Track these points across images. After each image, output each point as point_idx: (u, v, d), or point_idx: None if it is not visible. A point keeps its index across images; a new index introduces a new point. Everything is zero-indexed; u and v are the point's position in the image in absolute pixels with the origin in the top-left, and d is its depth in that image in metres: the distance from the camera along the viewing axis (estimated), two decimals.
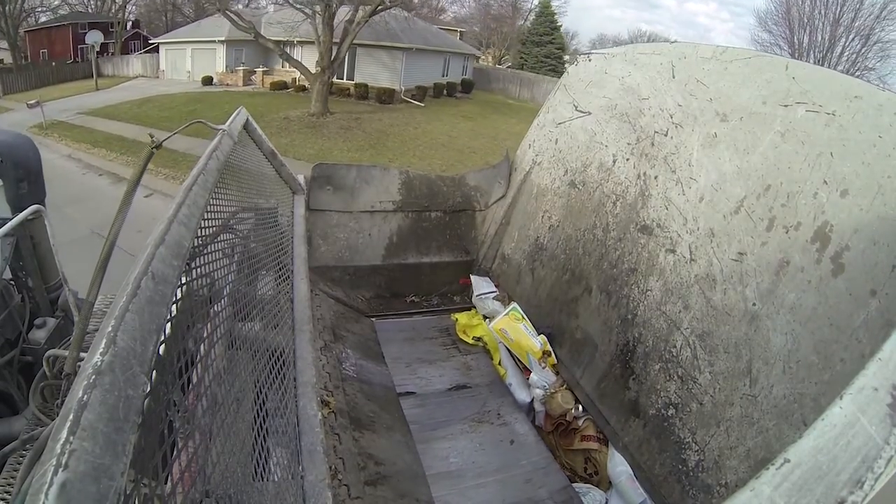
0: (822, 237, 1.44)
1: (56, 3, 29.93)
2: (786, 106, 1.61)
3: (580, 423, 2.27)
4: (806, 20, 25.43)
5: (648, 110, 2.20)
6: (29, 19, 29.27)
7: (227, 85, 22.05)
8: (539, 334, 2.54)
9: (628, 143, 2.29)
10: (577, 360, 2.42)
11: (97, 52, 22.22)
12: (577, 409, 2.30)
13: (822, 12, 24.72)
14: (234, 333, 1.14)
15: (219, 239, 1.24)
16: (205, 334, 1.01)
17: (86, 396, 0.49)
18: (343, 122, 15.51)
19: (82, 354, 0.96)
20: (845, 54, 24.36)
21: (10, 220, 1.58)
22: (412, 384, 2.42)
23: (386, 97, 19.43)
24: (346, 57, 16.79)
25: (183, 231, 0.85)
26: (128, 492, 0.52)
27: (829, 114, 1.48)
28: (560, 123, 2.79)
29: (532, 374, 2.47)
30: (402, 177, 3.00)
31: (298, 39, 17.26)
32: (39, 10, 29.61)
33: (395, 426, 2.07)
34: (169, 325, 0.72)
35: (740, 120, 1.77)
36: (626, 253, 2.21)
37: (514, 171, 3.17)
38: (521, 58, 40.05)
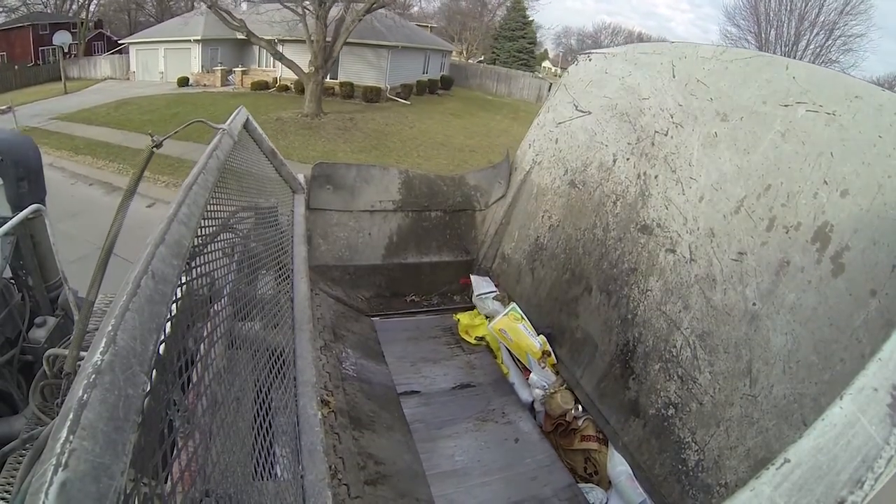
0: (822, 237, 1.44)
1: (14, 3, 27.86)
2: (786, 106, 1.61)
3: (580, 423, 2.27)
4: (772, 15, 26.58)
5: (649, 110, 2.20)
6: None
7: (205, 86, 21.03)
8: (538, 334, 2.54)
9: (628, 143, 2.29)
10: (577, 359, 2.42)
11: (65, 53, 21.04)
12: (577, 409, 2.30)
13: (788, 7, 25.80)
14: (234, 333, 1.14)
15: (219, 238, 1.24)
16: (205, 333, 1.01)
17: (86, 395, 0.49)
18: (338, 122, 15.37)
19: (82, 353, 0.96)
20: (810, 48, 25.48)
21: (11, 218, 1.58)
22: (417, 383, 2.43)
23: (373, 96, 19.25)
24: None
25: (183, 230, 0.85)
26: (128, 491, 0.52)
27: (829, 114, 1.48)
28: (560, 123, 2.79)
29: (532, 375, 2.47)
30: (401, 176, 3.00)
31: (280, 38, 16.96)
32: None
33: (395, 426, 2.07)
34: (169, 324, 0.72)
35: (740, 120, 1.76)
36: (626, 253, 2.21)
37: (514, 171, 3.17)
38: (494, 52, 40.10)
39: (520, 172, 3.09)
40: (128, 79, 23.51)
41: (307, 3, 14.42)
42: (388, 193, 2.96)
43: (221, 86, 21.09)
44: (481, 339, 2.81)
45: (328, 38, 14.72)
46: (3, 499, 1.28)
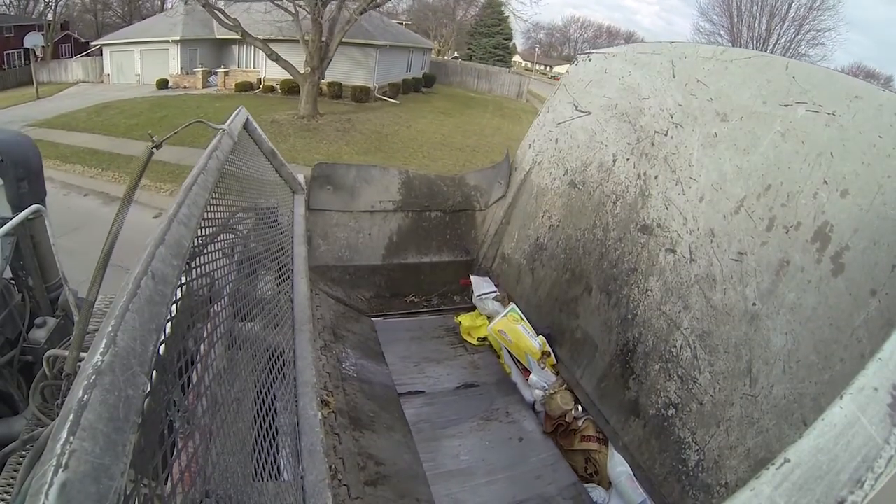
0: (822, 237, 1.44)
1: None
2: (786, 106, 1.61)
3: (580, 423, 2.27)
4: (744, 11, 27.66)
5: (648, 110, 2.20)
6: None
7: (186, 88, 19.91)
8: (538, 335, 2.54)
9: (628, 143, 2.29)
10: (577, 359, 2.42)
11: (36, 56, 19.85)
12: (577, 409, 2.31)
13: (760, 3, 26.82)
14: (234, 333, 1.14)
15: (219, 238, 1.24)
16: (205, 334, 1.01)
17: (86, 396, 0.49)
18: (336, 124, 15.15)
19: (82, 354, 0.96)
20: (781, 42, 26.51)
21: (11, 219, 1.58)
22: (421, 383, 2.45)
23: (362, 95, 19.03)
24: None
25: (183, 231, 0.85)
26: (128, 492, 0.52)
27: (829, 114, 1.48)
28: (560, 123, 2.79)
29: (531, 376, 2.47)
30: (401, 177, 3.00)
31: (271, 38, 16.63)
32: None
33: (395, 426, 2.08)
34: (169, 324, 0.72)
35: (740, 120, 1.76)
36: (626, 253, 2.21)
37: (514, 171, 3.17)
38: (470, 49, 40.02)
39: (520, 172, 3.09)
40: (102, 82, 22.13)
41: (301, 2, 14.19)
42: (387, 194, 2.96)
43: (203, 87, 20.07)
44: (484, 339, 2.82)
45: (323, 38, 14.48)
46: (3, 500, 1.28)
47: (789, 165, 1.57)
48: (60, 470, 0.42)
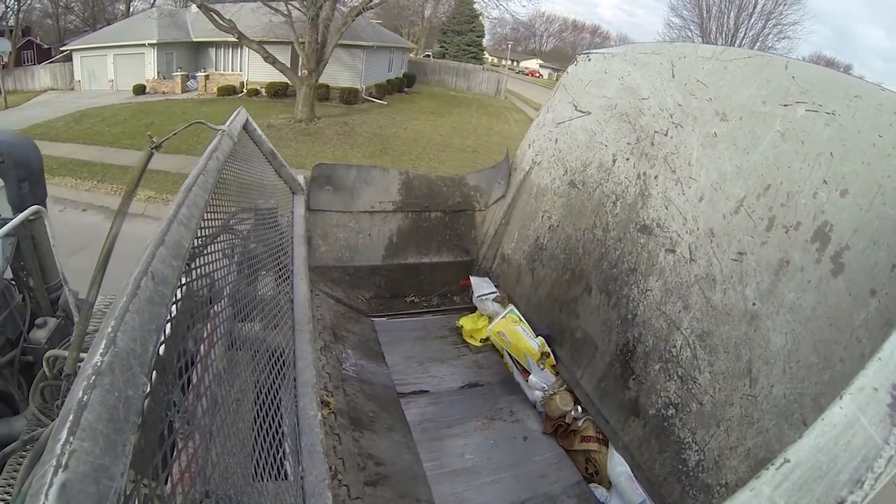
0: (822, 237, 1.44)
1: None
2: (786, 105, 1.61)
3: (580, 423, 2.27)
4: (713, 6, 28.89)
5: (648, 110, 2.20)
6: None
7: (164, 93, 18.98)
8: (537, 336, 2.55)
9: (628, 143, 2.29)
10: (577, 360, 2.42)
11: (2, 63, 18.14)
12: (577, 409, 2.31)
13: None
14: (234, 334, 1.14)
15: (219, 239, 1.24)
16: (205, 335, 1.01)
17: (86, 397, 0.49)
18: (335, 127, 14.93)
19: (82, 355, 0.96)
20: (749, 35, 27.63)
21: (11, 220, 1.58)
22: (425, 383, 2.46)
23: (350, 97, 18.81)
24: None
25: (183, 231, 0.85)
26: (128, 492, 0.52)
27: (829, 113, 1.48)
28: (560, 123, 2.79)
29: (531, 376, 2.47)
30: (401, 177, 3.00)
31: (263, 39, 16.32)
32: None
33: (395, 426, 2.08)
34: (169, 325, 0.72)
35: (740, 119, 1.76)
36: (626, 253, 2.21)
37: (513, 171, 3.17)
38: (443, 47, 39.81)
39: (519, 173, 3.10)
40: (72, 89, 20.79)
41: (295, 3, 13.95)
42: (387, 194, 2.96)
43: (182, 92, 19.20)
44: (486, 340, 2.82)
45: (318, 40, 14.22)
46: (3, 500, 1.28)
47: (789, 165, 1.57)
48: (60, 470, 0.42)
